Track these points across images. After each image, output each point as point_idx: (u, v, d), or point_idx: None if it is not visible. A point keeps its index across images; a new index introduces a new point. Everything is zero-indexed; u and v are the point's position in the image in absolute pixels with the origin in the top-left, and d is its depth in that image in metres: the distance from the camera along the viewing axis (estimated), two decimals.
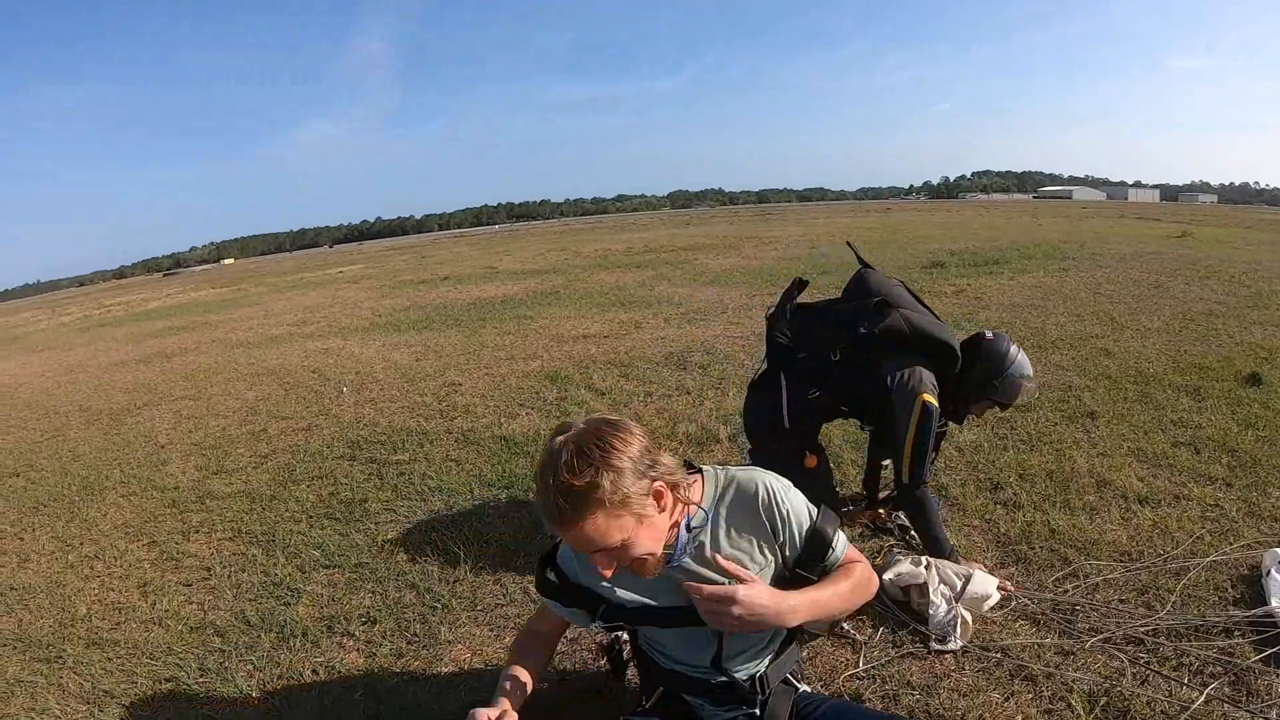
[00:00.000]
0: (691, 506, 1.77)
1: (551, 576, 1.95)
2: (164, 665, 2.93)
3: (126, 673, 2.92)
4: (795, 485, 1.86)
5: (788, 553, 1.82)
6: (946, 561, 2.86)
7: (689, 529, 1.77)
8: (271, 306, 17.87)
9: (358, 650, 2.89)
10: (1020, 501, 3.62)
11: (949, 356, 2.99)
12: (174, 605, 3.43)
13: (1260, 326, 7.03)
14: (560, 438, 1.57)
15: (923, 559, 2.86)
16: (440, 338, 9.68)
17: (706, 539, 1.79)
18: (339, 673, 2.75)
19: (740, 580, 1.69)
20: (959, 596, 2.67)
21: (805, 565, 1.82)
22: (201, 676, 2.82)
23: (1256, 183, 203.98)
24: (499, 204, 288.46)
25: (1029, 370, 3.08)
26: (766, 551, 1.81)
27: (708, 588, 1.63)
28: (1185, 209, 61.56)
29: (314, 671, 2.77)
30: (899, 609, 2.76)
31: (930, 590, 2.69)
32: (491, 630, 2.93)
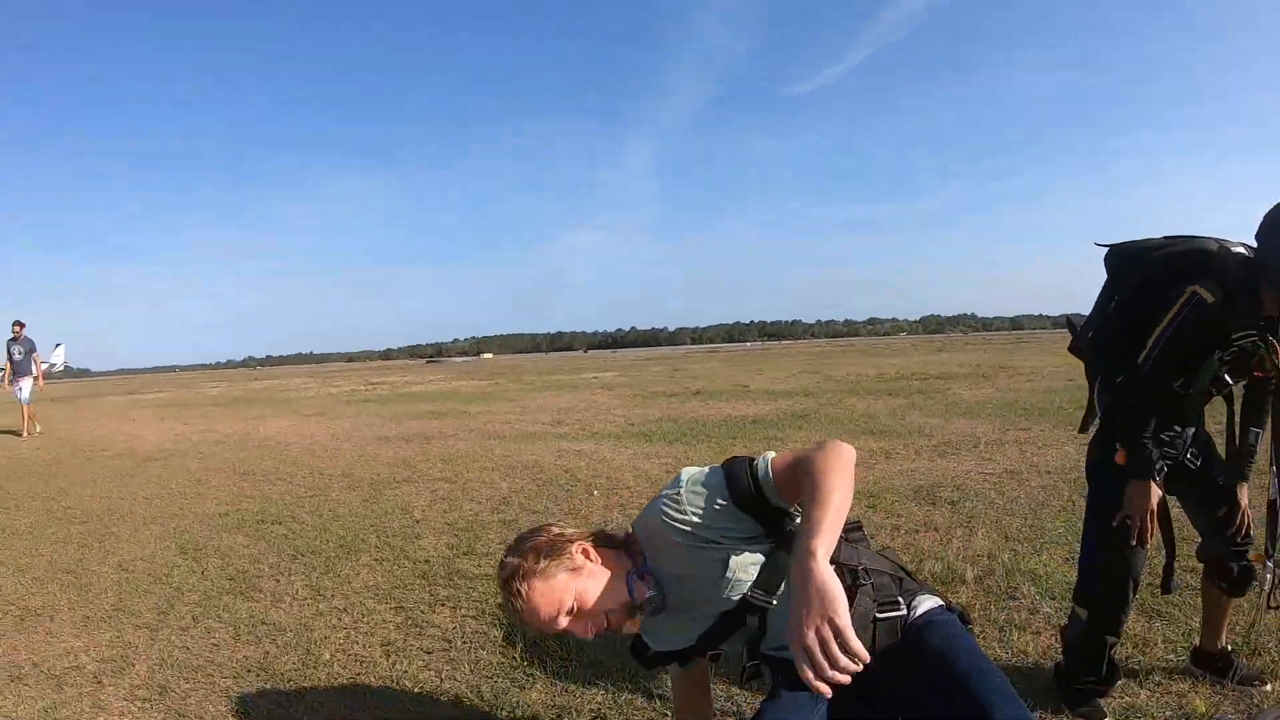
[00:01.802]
0: (636, 559, 1.99)
1: (649, 654, 2.16)
2: None
3: None
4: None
5: (736, 529, 1.90)
6: None
7: (640, 576, 1.94)
8: (527, 404, 18.91)
9: None
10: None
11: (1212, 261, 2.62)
12: (413, 668, 3.65)
13: None
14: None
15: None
16: (691, 451, 9.85)
17: (664, 586, 1.97)
18: None
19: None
20: None
21: (758, 516, 1.90)
22: None
23: None
24: (751, 321, 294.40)
25: None
26: (712, 554, 1.89)
27: (797, 654, 1.49)
28: None
29: None
30: None
31: None
32: None
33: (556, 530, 1.97)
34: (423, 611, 4.39)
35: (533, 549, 1.88)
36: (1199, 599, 3.46)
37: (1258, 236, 2.56)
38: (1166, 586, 3.08)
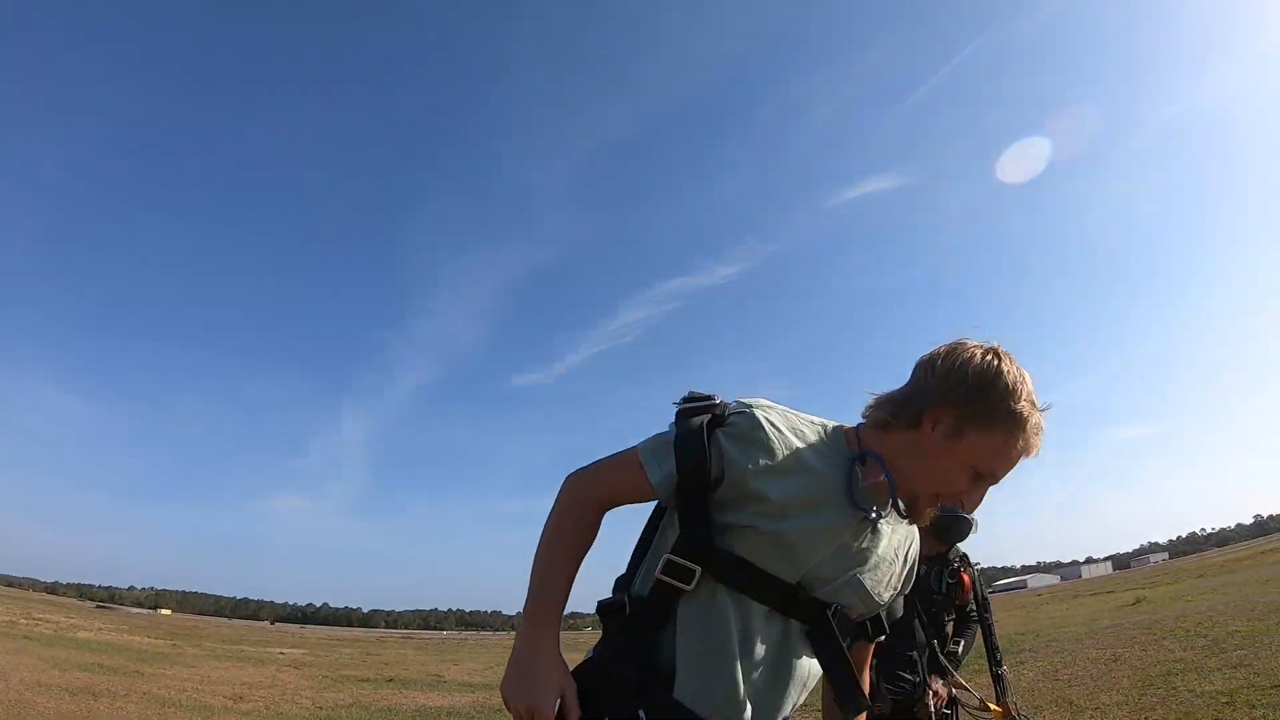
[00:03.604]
0: None
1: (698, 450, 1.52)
2: None
3: None
4: None
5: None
6: None
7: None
8: (207, 673, 17.34)
9: None
10: None
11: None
12: None
13: (1219, 673, 7.26)
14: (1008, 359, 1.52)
15: None
16: None
17: (898, 532, 1.66)
18: None
19: None
20: None
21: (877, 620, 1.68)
22: None
23: (1203, 529, 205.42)
24: (449, 609, 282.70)
25: None
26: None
27: None
28: (1138, 574, 61.03)
29: None
30: None
31: None
32: None
33: None
34: None
35: None
36: None
37: None
38: None
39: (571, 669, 1.57)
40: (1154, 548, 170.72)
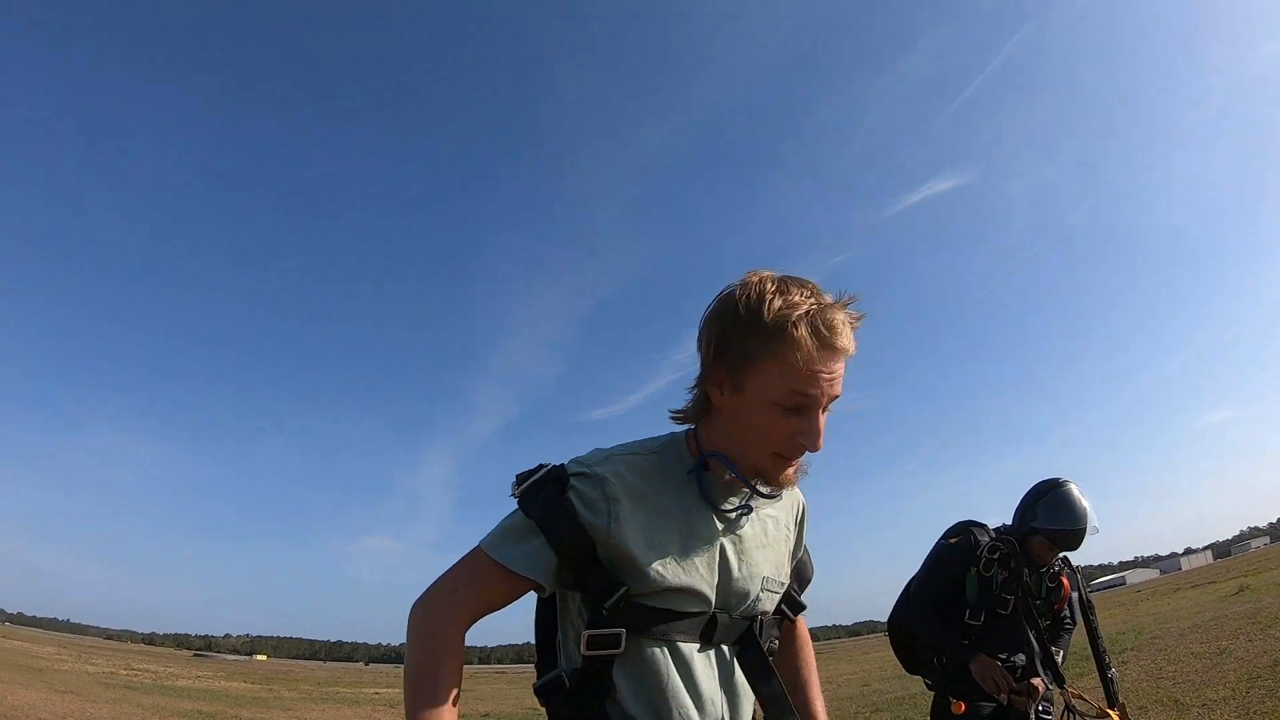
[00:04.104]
0: None
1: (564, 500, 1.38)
2: None
3: None
4: None
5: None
6: None
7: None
8: (304, 715, 17.29)
9: None
10: None
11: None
12: None
13: None
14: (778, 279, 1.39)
15: None
16: None
17: (774, 513, 1.61)
18: None
19: None
20: None
21: (790, 598, 1.66)
22: None
23: None
24: None
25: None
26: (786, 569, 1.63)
27: None
28: (1240, 561, 58.69)
29: None
30: None
31: None
32: None
33: None
34: None
35: None
36: None
37: (1023, 512, 3.42)
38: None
39: None
40: (1254, 532, 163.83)
